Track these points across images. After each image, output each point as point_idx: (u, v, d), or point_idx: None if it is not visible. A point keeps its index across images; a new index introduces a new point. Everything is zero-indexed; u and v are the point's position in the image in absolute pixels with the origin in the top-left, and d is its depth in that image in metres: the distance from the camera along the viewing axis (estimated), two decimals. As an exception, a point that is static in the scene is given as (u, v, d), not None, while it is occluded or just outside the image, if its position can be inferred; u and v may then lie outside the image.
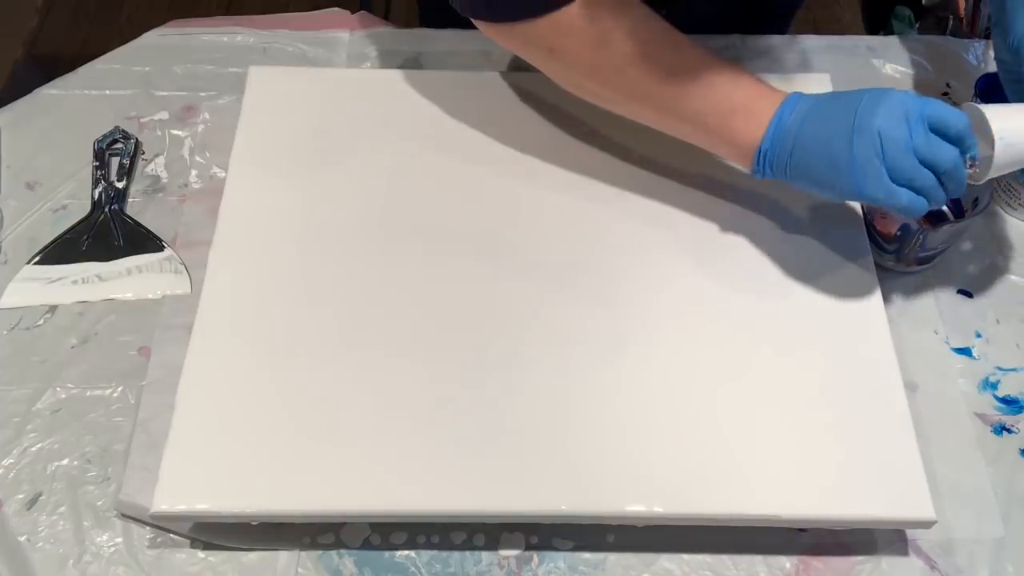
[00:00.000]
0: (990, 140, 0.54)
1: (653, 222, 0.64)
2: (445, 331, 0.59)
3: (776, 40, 0.80)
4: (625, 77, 0.57)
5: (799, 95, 0.56)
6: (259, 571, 0.55)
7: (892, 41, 0.82)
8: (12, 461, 0.58)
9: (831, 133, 0.53)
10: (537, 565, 0.55)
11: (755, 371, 0.58)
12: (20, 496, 0.57)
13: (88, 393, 0.60)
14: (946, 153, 0.52)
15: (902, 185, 0.52)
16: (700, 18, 0.58)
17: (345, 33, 0.80)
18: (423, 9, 0.89)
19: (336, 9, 0.82)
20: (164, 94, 0.75)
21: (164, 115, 0.74)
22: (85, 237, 0.67)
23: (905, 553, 0.56)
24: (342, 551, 0.55)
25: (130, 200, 0.69)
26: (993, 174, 0.56)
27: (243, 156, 0.67)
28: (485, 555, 0.55)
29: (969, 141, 0.53)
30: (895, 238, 0.63)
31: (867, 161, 0.52)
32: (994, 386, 0.62)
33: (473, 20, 0.59)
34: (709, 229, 0.64)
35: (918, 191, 0.52)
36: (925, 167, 0.52)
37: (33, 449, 0.58)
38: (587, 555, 0.56)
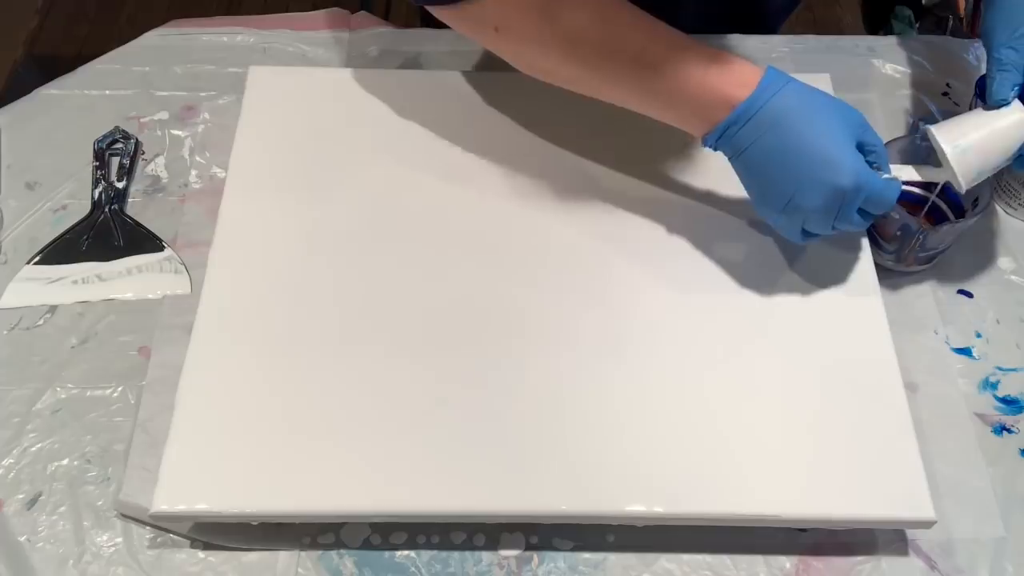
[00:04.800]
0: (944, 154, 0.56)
1: (653, 222, 0.64)
2: (445, 331, 0.59)
3: (776, 40, 0.80)
4: (573, 50, 0.56)
5: (775, 76, 0.54)
6: (259, 571, 0.55)
7: (892, 41, 0.82)
8: (12, 461, 0.58)
9: (780, 175, 0.55)
10: (537, 565, 0.55)
11: (755, 371, 0.58)
12: (20, 496, 0.57)
13: (88, 393, 0.60)
14: (859, 227, 0.57)
15: (804, 231, 0.57)
16: (693, 19, 0.58)
17: (345, 33, 0.80)
18: (424, 9, 0.89)
19: (336, 9, 0.82)
20: (164, 94, 0.75)
21: (164, 115, 0.74)
22: (85, 237, 0.67)
23: (905, 553, 0.56)
24: (342, 551, 0.55)
25: (130, 200, 0.69)
26: (974, 179, 0.57)
27: (243, 156, 0.67)
28: (485, 555, 0.55)
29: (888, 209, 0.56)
30: (895, 238, 0.63)
31: (792, 216, 0.56)
32: (994, 386, 0.62)
33: (425, 7, 0.58)
34: (709, 229, 0.64)
35: (812, 236, 0.58)
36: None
37: (33, 449, 0.58)
38: (587, 555, 0.56)
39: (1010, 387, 0.62)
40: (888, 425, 0.56)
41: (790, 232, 0.58)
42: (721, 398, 0.57)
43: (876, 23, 1.71)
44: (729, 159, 0.57)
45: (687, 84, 0.55)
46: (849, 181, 0.53)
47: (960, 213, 0.66)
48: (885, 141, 0.64)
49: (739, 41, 0.78)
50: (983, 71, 0.76)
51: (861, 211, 0.56)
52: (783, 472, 0.54)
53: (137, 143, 0.72)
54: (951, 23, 1.56)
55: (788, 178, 0.54)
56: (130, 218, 0.68)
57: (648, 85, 0.56)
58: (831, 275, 0.62)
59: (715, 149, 0.57)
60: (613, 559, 0.55)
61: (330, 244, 0.62)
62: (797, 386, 0.57)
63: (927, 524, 0.53)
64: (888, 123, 0.75)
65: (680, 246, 0.63)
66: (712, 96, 0.55)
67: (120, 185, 0.69)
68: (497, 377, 0.57)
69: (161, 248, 0.67)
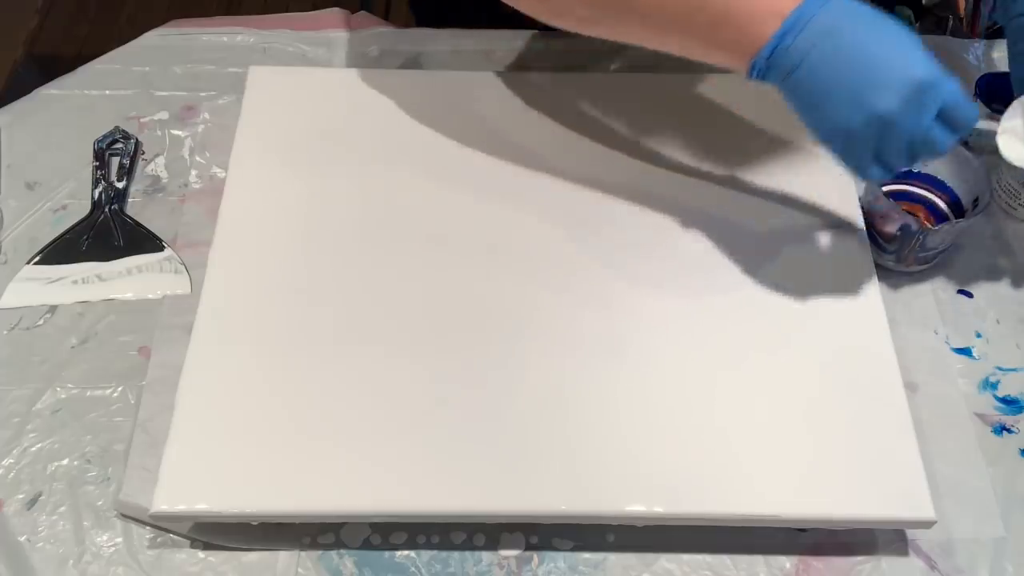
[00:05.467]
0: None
1: (653, 222, 0.64)
2: (445, 331, 0.59)
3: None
4: None
5: None
6: (259, 571, 0.55)
7: (892, 41, 0.81)
8: (12, 461, 0.58)
9: (844, 80, 0.50)
10: (537, 565, 0.55)
11: (755, 371, 0.58)
12: (20, 496, 0.57)
13: (88, 393, 0.60)
14: (941, 147, 0.51)
15: (876, 159, 0.52)
16: None
17: (345, 33, 0.80)
18: (422, 9, 0.89)
19: (336, 9, 0.82)
20: (164, 94, 0.75)
21: (164, 115, 0.74)
22: (85, 237, 0.67)
23: (905, 553, 0.56)
24: (342, 551, 0.55)
25: (130, 200, 0.69)
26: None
27: (243, 156, 0.67)
28: (485, 555, 0.55)
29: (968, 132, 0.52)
30: (895, 238, 0.63)
31: (862, 130, 0.50)
32: (994, 386, 0.62)
33: None
34: (708, 229, 0.64)
35: (886, 166, 0.52)
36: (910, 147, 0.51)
37: (33, 449, 0.58)
38: (587, 555, 0.56)
39: (1010, 387, 0.62)
40: (888, 425, 0.56)
41: (860, 162, 0.52)
42: (721, 398, 0.57)
43: (876, 23, 1.71)
44: (781, 84, 0.52)
45: (732, 4, 0.51)
46: (925, 72, 0.49)
47: (960, 213, 0.66)
48: (885, 141, 0.65)
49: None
50: (983, 71, 0.76)
51: (942, 131, 0.51)
52: (783, 472, 0.54)
53: (137, 143, 0.72)
54: (951, 23, 1.55)
55: (856, 80, 0.50)
56: (130, 218, 0.68)
57: (691, 16, 0.52)
58: (831, 275, 0.62)
59: (763, 77, 0.52)
60: (613, 559, 0.55)
61: (330, 244, 0.62)
62: (797, 386, 0.57)
63: (927, 524, 0.53)
64: (888, 123, 0.74)
65: (681, 247, 0.63)
66: (760, 9, 0.51)
67: (120, 185, 0.69)
68: (497, 377, 0.57)
69: (161, 248, 0.67)
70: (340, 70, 0.76)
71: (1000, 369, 0.63)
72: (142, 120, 0.74)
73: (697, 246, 0.63)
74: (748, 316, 0.60)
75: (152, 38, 0.79)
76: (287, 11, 0.83)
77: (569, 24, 0.57)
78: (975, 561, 0.55)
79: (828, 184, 0.66)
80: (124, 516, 0.56)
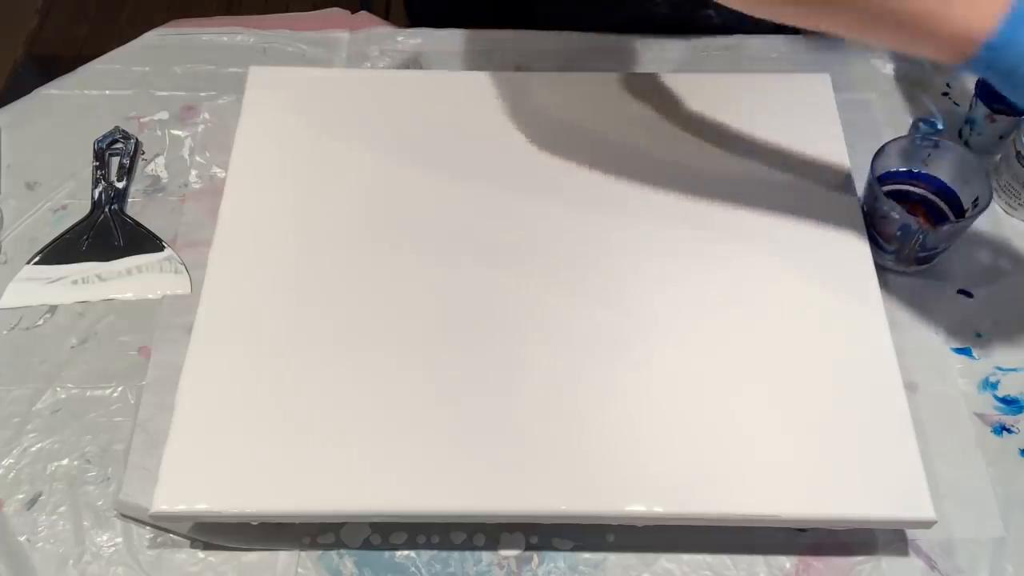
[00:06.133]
0: None
1: (654, 223, 0.64)
2: (446, 331, 0.59)
3: (776, 40, 0.80)
4: None
5: None
6: (259, 571, 0.55)
7: (892, 41, 0.81)
8: (12, 461, 0.58)
9: None
10: (537, 565, 0.55)
11: (754, 371, 0.58)
12: (20, 496, 0.57)
13: (88, 393, 0.60)
14: None
15: None
16: (705, 17, 0.56)
17: (345, 33, 0.80)
18: (417, 8, 0.89)
19: (336, 9, 0.82)
20: (164, 94, 0.75)
21: (164, 115, 0.74)
22: (85, 237, 0.67)
23: (905, 553, 0.56)
24: (342, 551, 0.55)
25: (130, 200, 0.69)
26: None
27: (243, 156, 0.67)
28: (485, 555, 0.55)
29: None
30: (895, 238, 0.63)
31: None
32: (994, 386, 0.62)
33: None
34: (709, 230, 0.64)
35: None
36: None
37: (33, 449, 0.58)
38: (587, 555, 0.56)
39: (1010, 387, 0.62)
40: (888, 425, 0.56)
41: None
42: (721, 398, 0.57)
43: (876, 23, 1.71)
44: (1010, 70, 0.49)
45: (918, 18, 0.48)
46: None
47: (960, 213, 0.66)
48: (885, 141, 0.65)
49: (741, 41, 0.78)
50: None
51: None
52: (783, 472, 0.54)
53: (137, 143, 0.72)
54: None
55: None
56: (130, 218, 0.68)
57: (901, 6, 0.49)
58: (831, 275, 0.62)
59: (987, 64, 0.49)
60: (613, 559, 0.55)
61: (330, 244, 0.62)
62: (797, 386, 0.57)
63: (927, 524, 0.53)
64: (888, 123, 0.75)
65: (681, 247, 0.63)
66: (950, 35, 0.48)
67: (120, 185, 0.69)
68: (497, 377, 0.57)
69: (161, 248, 0.67)
70: (340, 70, 0.76)
71: (1000, 369, 0.63)
72: (142, 120, 0.74)
73: (696, 246, 0.63)
74: (748, 317, 0.60)
75: (152, 38, 0.79)
76: (287, 11, 0.83)
77: (772, 12, 0.53)
78: (975, 561, 0.56)
79: (828, 184, 0.66)
80: (124, 516, 0.56)
